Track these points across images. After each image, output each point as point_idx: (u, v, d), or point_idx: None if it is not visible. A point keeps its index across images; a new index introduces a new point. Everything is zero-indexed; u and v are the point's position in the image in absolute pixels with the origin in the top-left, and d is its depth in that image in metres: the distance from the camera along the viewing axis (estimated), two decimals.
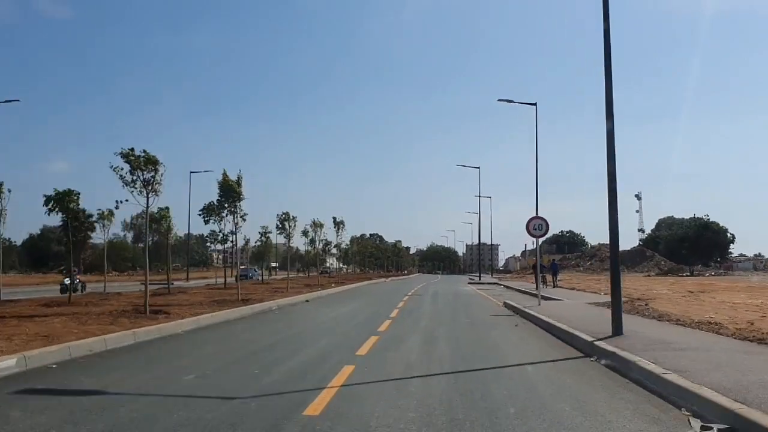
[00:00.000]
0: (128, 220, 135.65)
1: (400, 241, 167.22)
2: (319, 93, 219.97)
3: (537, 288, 36.12)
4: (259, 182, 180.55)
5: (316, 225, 30.73)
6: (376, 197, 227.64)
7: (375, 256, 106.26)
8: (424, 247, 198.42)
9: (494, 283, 48.59)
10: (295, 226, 23.16)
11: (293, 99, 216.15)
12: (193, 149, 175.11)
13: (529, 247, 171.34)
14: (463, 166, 55.46)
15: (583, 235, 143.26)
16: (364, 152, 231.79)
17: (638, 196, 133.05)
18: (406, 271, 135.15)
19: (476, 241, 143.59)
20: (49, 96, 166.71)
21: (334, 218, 35.26)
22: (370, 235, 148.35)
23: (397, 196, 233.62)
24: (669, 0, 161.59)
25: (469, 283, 50.47)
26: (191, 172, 53.46)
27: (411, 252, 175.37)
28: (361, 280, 48.87)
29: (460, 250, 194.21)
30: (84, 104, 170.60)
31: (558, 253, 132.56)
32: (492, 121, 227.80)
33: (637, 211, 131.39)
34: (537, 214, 31.54)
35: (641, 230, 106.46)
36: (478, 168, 55.08)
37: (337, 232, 35.62)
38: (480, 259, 60.05)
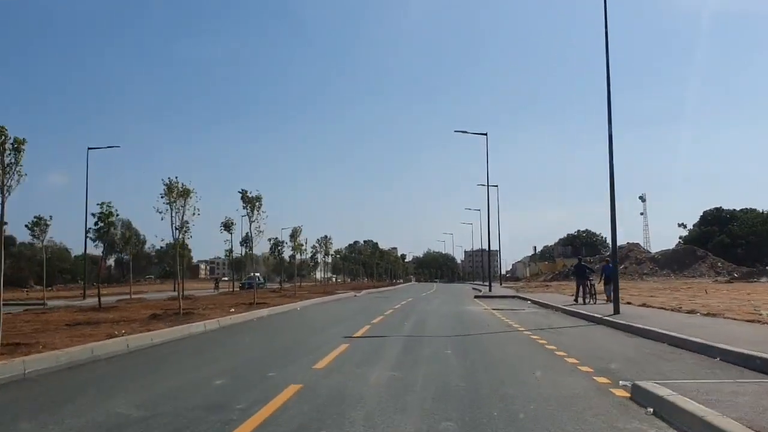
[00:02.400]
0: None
1: (395, 248, 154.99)
2: (318, 102, 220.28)
3: (581, 297, 21.64)
4: (255, 189, 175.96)
5: (174, 190, 15.27)
6: (375, 204, 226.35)
7: (363, 263, 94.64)
8: (420, 254, 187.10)
9: (513, 297, 34.05)
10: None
11: (292, 109, 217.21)
12: (196, 159, 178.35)
13: (540, 247, 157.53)
14: (465, 132, 40.99)
15: (603, 234, 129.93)
16: (364, 159, 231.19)
17: (642, 198, 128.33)
18: (401, 280, 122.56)
19: (476, 247, 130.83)
20: (47, 105, 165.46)
21: (243, 192, 20.68)
22: (364, 242, 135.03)
23: (396, 204, 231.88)
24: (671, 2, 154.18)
25: (476, 297, 35.85)
26: (89, 148, 39.70)
27: (407, 260, 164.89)
28: (318, 294, 34.18)
29: (458, 257, 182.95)
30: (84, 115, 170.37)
31: (574, 256, 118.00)
32: (492, 128, 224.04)
33: (642, 214, 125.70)
34: (612, 193, 16.99)
35: (683, 225, 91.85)
36: (485, 134, 40.62)
37: (250, 216, 20.93)
38: (489, 262, 45.16)
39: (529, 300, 29.36)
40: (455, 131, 40.96)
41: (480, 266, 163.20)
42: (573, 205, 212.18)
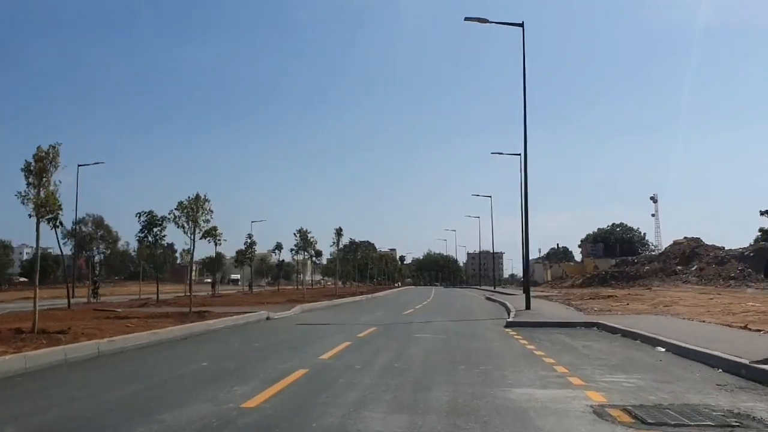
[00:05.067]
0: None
1: (394, 249, 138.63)
2: (314, 106, 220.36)
3: None
4: (256, 194, 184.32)
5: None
6: (376, 206, 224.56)
7: (355, 265, 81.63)
8: (421, 255, 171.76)
9: (586, 325, 16.62)
10: None
11: (288, 113, 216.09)
12: (192, 166, 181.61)
13: (560, 243, 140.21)
14: (485, 21, 23.30)
15: (642, 230, 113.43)
16: (364, 161, 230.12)
17: (654, 199, 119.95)
18: (399, 284, 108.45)
19: (484, 247, 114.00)
20: (40, 110, 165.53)
21: None
22: (360, 242, 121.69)
23: (397, 205, 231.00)
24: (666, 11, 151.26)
25: (509, 325, 18.22)
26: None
27: (407, 262, 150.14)
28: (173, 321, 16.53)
29: (461, 259, 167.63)
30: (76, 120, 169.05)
31: (607, 256, 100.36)
32: (491, 130, 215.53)
33: (653, 215, 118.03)
34: None
35: (766, 213, 73.41)
36: (521, 25, 22.99)
37: None
38: (526, 253, 27.19)
39: (659, 345, 11.81)
40: (466, 18, 23.33)
41: (485, 269, 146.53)
42: (576, 208, 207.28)
